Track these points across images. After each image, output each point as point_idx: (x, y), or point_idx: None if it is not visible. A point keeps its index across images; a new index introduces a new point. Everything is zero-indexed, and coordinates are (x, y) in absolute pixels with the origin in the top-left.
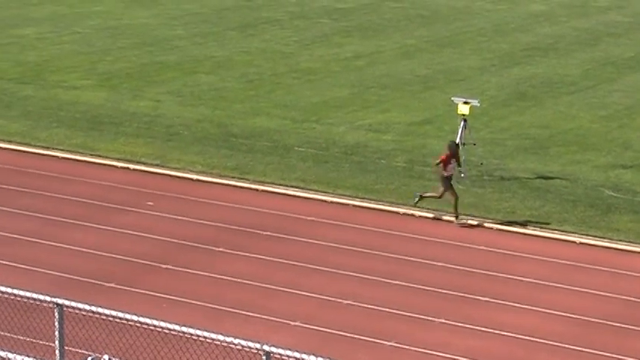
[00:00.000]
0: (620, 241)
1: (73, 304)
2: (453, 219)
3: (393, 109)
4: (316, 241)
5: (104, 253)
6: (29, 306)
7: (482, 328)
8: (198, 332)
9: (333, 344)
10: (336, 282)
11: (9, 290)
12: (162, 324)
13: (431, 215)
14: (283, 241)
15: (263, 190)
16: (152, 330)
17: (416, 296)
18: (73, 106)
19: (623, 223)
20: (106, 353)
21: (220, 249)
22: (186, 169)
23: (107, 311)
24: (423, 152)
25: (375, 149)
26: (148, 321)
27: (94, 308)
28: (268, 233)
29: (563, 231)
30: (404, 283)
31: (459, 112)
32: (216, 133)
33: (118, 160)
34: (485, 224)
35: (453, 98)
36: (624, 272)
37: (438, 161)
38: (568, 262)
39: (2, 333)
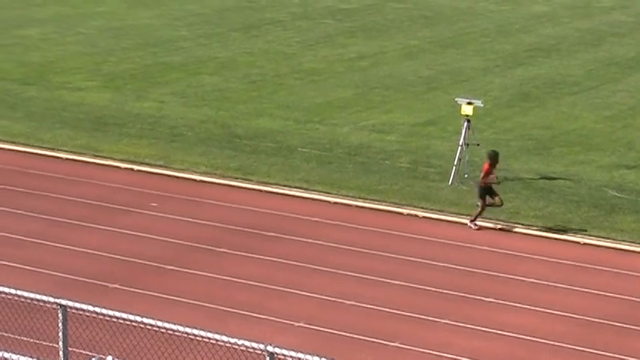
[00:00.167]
0: (624, 241)
1: (77, 305)
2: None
3: (397, 109)
4: (319, 242)
5: (108, 254)
6: (33, 307)
7: (484, 329)
8: (202, 333)
9: (337, 345)
10: (339, 282)
11: (13, 291)
12: (166, 325)
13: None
14: (286, 241)
15: (266, 191)
16: (156, 331)
17: (417, 296)
18: (77, 107)
19: (627, 224)
20: (110, 354)
21: (224, 250)
22: (190, 169)
23: (111, 312)
24: (427, 153)
25: (378, 150)
26: (152, 322)
27: (97, 309)
28: (272, 234)
29: (566, 231)
30: (406, 284)
31: (462, 113)
32: (219, 134)
33: (122, 161)
34: (489, 225)
35: (456, 99)
36: (628, 272)
37: (483, 174)
38: (571, 263)
39: (6, 334)
